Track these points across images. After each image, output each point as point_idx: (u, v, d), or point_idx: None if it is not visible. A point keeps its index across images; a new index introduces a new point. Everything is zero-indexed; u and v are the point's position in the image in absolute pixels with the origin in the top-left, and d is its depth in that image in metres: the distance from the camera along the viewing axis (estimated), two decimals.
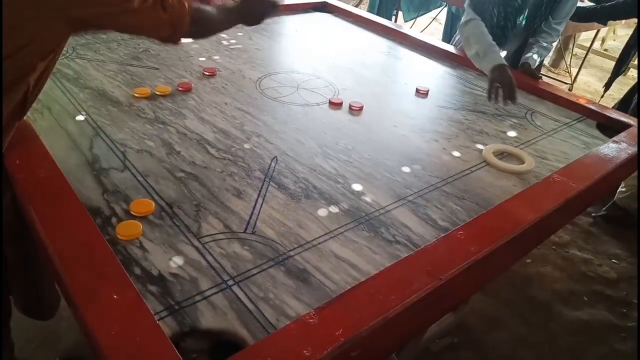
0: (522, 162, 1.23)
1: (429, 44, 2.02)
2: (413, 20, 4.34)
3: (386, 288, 0.76)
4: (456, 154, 1.25)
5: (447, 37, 4.76)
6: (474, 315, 1.84)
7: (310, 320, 0.69)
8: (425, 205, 1.03)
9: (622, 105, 2.55)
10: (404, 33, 2.12)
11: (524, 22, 1.83)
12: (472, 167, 1.20)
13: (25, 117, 1.08)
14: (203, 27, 1.07)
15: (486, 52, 1.61)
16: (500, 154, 1.27)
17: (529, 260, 2.21)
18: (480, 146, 1.30)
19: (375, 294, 0.74)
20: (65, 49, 1.54)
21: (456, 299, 0.94)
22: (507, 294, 1.99)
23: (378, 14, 3.97)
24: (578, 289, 2.11)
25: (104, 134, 1.14)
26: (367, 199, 1.03)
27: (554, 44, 1.96)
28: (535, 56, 1.82)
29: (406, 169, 1.16)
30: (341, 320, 0.68)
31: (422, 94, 1.59)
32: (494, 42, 1.64)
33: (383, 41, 2.08)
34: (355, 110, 1.42)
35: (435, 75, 1.80)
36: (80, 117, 1.19)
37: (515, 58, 1.93)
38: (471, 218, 0.99)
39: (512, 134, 1.40)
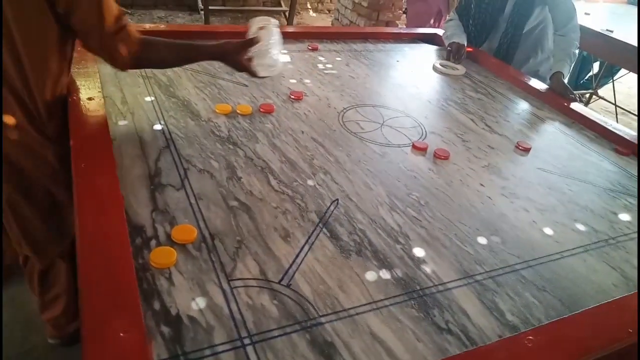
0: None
1: (543, 91, 1.81)
2: None
3: None
4: (548, 231, 1.07)
5: (574, 81, 4.35)
6: None
7: None
8: (494, 291, 0.88)
9: None
10: (516, 77, 1.92)
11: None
12: (564, 251, 1.01)
13: (107, 119, 1.12)
14: (147, 62, 1.22)
15: (452, 35, 2.10)
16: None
17: None
18: (581, 226, 1.10)
19: None
20: None
21: None
22: None
23: None
24: None
25: (174, 147, 1.13)
26: (427, 269, 0.90)
27: (576, 52, 1.94)
28: (561, 64, 1.87)
29: (482, 240, 1.00)
30: None
31: (522, 150, 1.40)
32: (461, 32, 2.12)
33: (492, 83, 1.90)
34: (439, 159, 1.28)
35: (544, 130, 1.59)
36: (157, 127, 1.21)
37: (500, 52, 2.12)
38: (549, 320, 0.82)
39: (625, 217, 1.17)
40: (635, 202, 1.24)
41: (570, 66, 1.93)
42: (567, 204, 1.18)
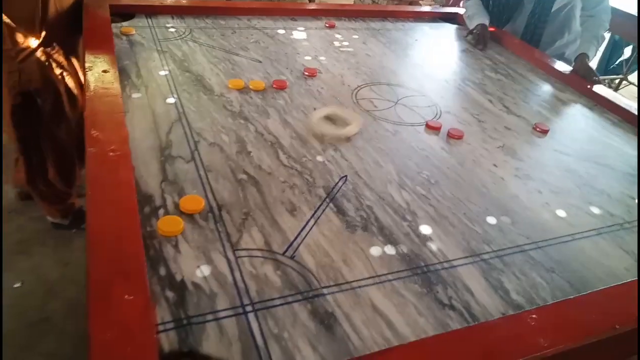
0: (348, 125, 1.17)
1: (565, 73, 1.76)
2: None
3: None
4: (561, 213, 1.05)
5: (603, 66, 4.22)
6: None
7: None
8: (501, 270, 0.87)
9: None
10: (538, 58, 1.86)
11: None
12: (576, 233, 0.99)
13: (120, 91, 1.13)
14: None
15: (473, 15, 2.03)
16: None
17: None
18: (595, 210, 1.08)
19: None
20: (183, 29, 1.61)
21: None
22: None
23: None
24: None
25: (186, 120, 1.14)
26: (433, 246, 0.90)
27: (605, 30, 1.88)
28: (587, 45, 1.82)
29: (491, 220, 0.99)
30: None
31: (540, 132, 1.37)
32: (483, 12, 2.04)
33: (514, 64, 1.85)
34: (453, 139, 1.26)
35: (564, 113, 1.55)
36: (170, 100, 1.22)
37: (527, 34, 2.03)
38: (555, 300, 0.81)
39: None
40: None
41: (597, 48, 1.87)
42: (583, 187, 1.15)
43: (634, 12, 2.99)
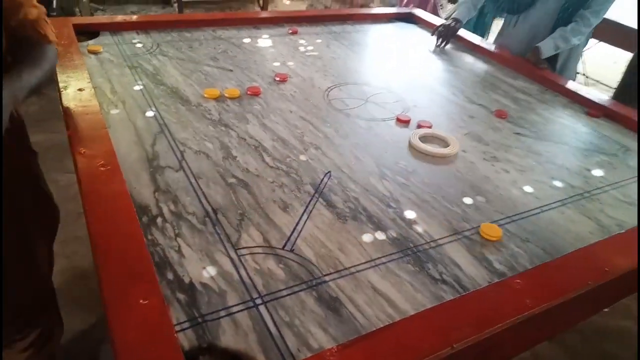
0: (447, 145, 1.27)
1: (519, 62, 1.88)
2: None
3: (420, 334, 0.70)
4: (528, 189, 1.14)
5: None
6: None
7: (331, 358, 0.64)
8: (482, 244, 0.94)
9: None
10: (491, 51, 1.99)
11: None
12: (544, 205, 1.09)
13: (99, 109, 1.14)
14: None
15: (458, 6, 2.10)
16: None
17: (606, 310, 1.98)
18: (558, 183, 1.18)
19: (406, 340, 0.68)
20: (150, 44, 1.62)
21: (501, 356, 0.84)
22: (575, 344, 1.80)
23: (476, 26, 3.78)
24: None
25: (168, 132, 1.17)
26: (419, 228, 0.96)
27: (579, 39, 1.88)
28: (550, 42, 1.85)
29: (468, 200, 1.07)
30: None
31: (500, 118, 1.47)
32: (470, 5, 2.08)
33: (468, 58, 1.97)
34: (423, 129, 1.34)
35: (520, 98, 1.66)
36: (150, 113, 1.24)
37: (564, 17, 1.90)
38: (533, 265, 0.89)
39: (598, 172, 1.24)
40: (607, 158, 1.32)
41: (557, 49, 1.87)
42: (545, 164, 1.26)
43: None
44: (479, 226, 0.98)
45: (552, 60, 1.96)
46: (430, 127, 1.35)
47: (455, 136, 1.32)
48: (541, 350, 1.71)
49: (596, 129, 1.49)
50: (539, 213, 1.06)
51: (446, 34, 2.02)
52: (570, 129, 1.47)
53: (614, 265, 0.88)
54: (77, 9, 3.66)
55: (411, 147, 1.25)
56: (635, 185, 1.21)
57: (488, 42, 2.10)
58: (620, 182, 1.21)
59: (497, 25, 3.70)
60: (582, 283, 0.83)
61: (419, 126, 1.35)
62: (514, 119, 1.48)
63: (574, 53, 2.01)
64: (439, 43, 2.02)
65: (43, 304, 1.34)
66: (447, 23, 2.04)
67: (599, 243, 0.95)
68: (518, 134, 1.40)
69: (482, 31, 3.63)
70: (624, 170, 1.27)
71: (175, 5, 4.63)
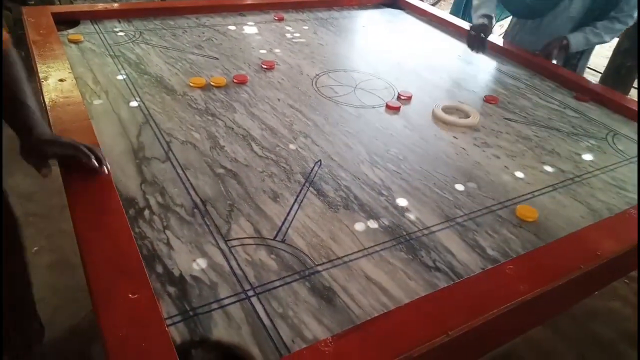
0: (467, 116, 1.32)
1: (505, 48, 1.87)
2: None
3: (415, 322, 0.69)
4: (519, 174, 1.14)
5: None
6: (526, 346, 1.70)
7: (326, 349, 0.63)
8: (475, 230, 0.94)
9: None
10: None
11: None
12: (535, 191, 1.08)
13: (82, 100, 1.10)
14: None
15: (480, 5, 1.78)
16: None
17: (596, 292, 2.01)
18: (549, 168, 1.17)
19: (401, 328, 0.67)
20: (132, 32, 1.58)
21: (495, 341, 0.84)
22: (565, 326, 1.82)
23: (464, 9, 3.76)
24: None
25: (154, 122, 1.14)
26: (411, 216, 0.95)
27: (612, 37, 1.75)
28: (580, 36, 1.70)
29: (459, 187, 1.06)
30: (358, 354, 0.62)
31: (490, 103, 1.47)
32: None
33: (456, 43, 1.95)
34: (402, 100, 1.40)
35: (508, 84, 1.66)
36: (134, 103, 1.21)
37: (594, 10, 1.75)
38: (526, 251, 0.89)
39: (587, 157, 1.25)
40: (596, 142, 1.33)
41: (587, 45, 1.77)
42: (535, 149, 1.25)
43: None
44: (471, 212, 0.98)
45: (572, 58, 1.84)
46: (410, 97, 1.41)
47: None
48: (531, 333, 1.72)
49: (584, 113, 1.49)
50: (531, 198, 1.06)
51: (483, 33, 1.73)
52: (559, 114, 1.46)
53: (605, 249, 0.88)
54: None
55: (435, 117, 1.33)
56: (624, 169, 1.21)
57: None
58: (609, 166, 1.22)
59: None
60: (574, 267, 0.83)
61: (399, 97, 1.40)
62: (504, 104, 1.48)
63: (588, 51, 1.90)
64: (475, 48, 1.75)
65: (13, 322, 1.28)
66: (478, 24, 1.75)
67: (590, 227, 0.95)
68: (508, 119, 1.39)
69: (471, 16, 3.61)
70: (612, 154, 1.28)
71: None
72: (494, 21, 1.74)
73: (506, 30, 2.08)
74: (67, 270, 1.82)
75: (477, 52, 1.75)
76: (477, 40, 1.73)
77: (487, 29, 1.72)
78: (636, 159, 1.27)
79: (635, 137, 1.38)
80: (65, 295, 1.66)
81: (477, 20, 1.76)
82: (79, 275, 1.38)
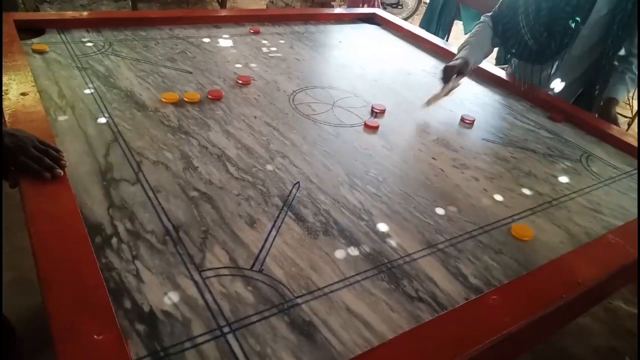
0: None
1: (480, 67, 1.89)
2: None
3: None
4: (498, 197, 1.13)
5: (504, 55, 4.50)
6: None
7: None
8: (457, 257, 0.92)
9: None
10: (454, 53, 1.99)
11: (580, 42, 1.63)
12: (514, 214, 1.08)
13: (46, 116, 1.04)
14: None
15: (462, 47, 1.71)
16: None
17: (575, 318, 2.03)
18: (527, 191, 1.17)
19: None
20: (101, 43, 1.52)
21: None
22: (537, 345, 1.83)
23: (437, 24, 3.83)
24: (620, 346, 1.93)
25: (123, 141, 1.08)
26: (392, 242, 0.93)
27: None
28: (622, 88, 1.61)
29: (440, 211, 1.05)
30: None
31: (467, 123, 1.47)
32: (477, 43, 1.71)
33: (430, 60, 1.96)
34: (377, 113, 1.41)
35: (484, 103, 1.67)
36: (102, 120, 1.15)
37: (578, 88, 1.76)
38: (508, 278, 0.88)
39: (563, 179, 1.25)
40: (571, 164, 1.34)
41: (628, 94, 1.70)
42: (512, 171, 1.25)
43: None
44: (452, 238, 0.96)
45: (588, 98, 1.76)
46: (383, 110, 1.43)
47: (423, 143, 1.30)
48: None
49: (559, 134, 1.51)
50: (510, 222, 1.05)
51: (457, 71, 1.57)
52: (535, 134, 1.48)
53: (586, 277, 0.87)
54: (20, 2, 3.42)
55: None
56: (599, 191, 1.23)
57: (450, 45, 2.10)
58: (584, 188, 1.23)
59: (457, 25, 3.78)
60: (557, 296, 0.82)
61: (373, 110, 1.42)
62: (481, 124, 1.48)
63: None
64: (445, 87, 1.54)
65: None
66: (454, 64, 1.59)
67: (570, 254, 0.94)
68: (485, 139, 1.39)
69: (443, 33, 3.68)
70: (587, 176, 1.29)
71: (129, 0, 4.43)
72: (464, 62, 1.59)
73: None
74: (31, 291, 1.71)
75: (445, 92, 1.54)
76: (448, 78, 1.55)
77: (464, 68, 1.59)
78: (610, 181, 1.28)
79: (608, 159, 1.41)
80: (31, 320, 1.55)
81: (454, 60, 1.62)
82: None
